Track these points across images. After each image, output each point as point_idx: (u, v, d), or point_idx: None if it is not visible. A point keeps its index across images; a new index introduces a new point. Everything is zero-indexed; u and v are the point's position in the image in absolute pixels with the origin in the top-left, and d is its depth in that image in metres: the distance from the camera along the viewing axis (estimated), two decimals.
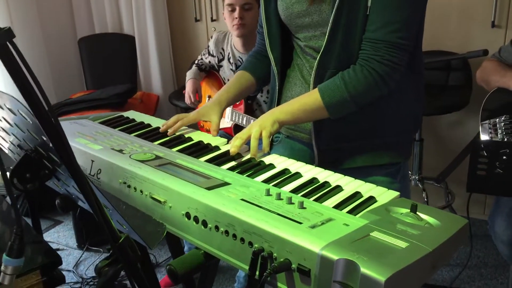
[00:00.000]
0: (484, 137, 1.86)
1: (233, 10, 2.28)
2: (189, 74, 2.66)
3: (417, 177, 2.66)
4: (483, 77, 2.01)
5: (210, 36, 2.69)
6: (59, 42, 3.54)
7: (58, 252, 2.77)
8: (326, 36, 1.18)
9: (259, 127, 1.18)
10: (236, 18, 2.24)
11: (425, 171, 2.70)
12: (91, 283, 2.43)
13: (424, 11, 1.22)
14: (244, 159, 1.15)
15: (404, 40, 1.15)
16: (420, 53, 1.28)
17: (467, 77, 2.53)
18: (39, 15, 3.30)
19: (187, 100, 2.65)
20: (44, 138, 0.73)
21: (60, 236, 2.93)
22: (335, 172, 1.06)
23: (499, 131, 1.84)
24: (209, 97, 2.70)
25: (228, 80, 2.29)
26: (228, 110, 2.66)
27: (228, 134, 2.71)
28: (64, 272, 2.18)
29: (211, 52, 2.63)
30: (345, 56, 1.20)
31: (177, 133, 1.33)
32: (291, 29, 1.32)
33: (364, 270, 0.68)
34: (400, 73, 1.18)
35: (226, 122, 2.72)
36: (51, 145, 0.67)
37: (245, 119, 2.42)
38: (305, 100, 1.21)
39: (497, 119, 1.85)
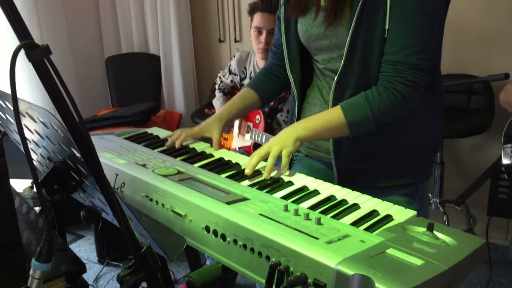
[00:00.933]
0: (505, 161, 1.85)
1: (260, 33, 2.34)
2: (217, 103, 2.71)
3: (438, 200, 2.63)
4: (505, 99, 2.00)
5: (233, 55, 2.75)
6: (87, 60, 3.66)
7: None
8: (343, 59, 1.21)
9: (280, 145, 1.19)
10: (262, 42, 2.30)
11: (446, 194, 2.68)
12: None
13: (442, 33, 1.24)
14: (263, 176, 1.18)
15: (424, 61, 1.17)
16: (439, 74, 1.29)
17: (489, 100, 2.52)
18: (68, 33, 3.42)
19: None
20: (74, 150, 0.77)
21: (81, 250, 2.98)
22: (353, 190, 1.08)
23: None
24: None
25: None
26: (249, 129, 2.70)
27: (247, 152, 2.74)
28: None
29: (232, 71, 2.68)
30: (363, 77, 1.22)
31: (198, 149, 1.37)
32: (311, 52, 1.35)
33: (379, 285, 0.69)
34: (421, 94, 1.20)
35: (246, 141, 2.76)
36: (80, 157, 0.71)
37: (264, 137, 2.45)
38: (328, 117, 1.22)
39: None
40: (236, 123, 2.75)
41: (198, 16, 3.54)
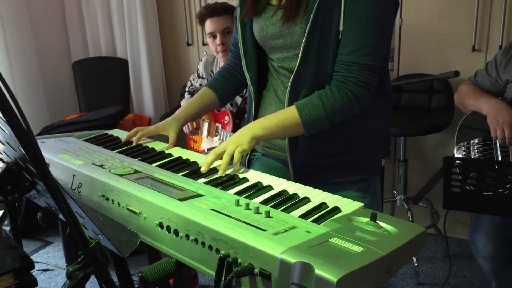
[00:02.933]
0: (457, 154, 1.92)
1: (214, 37, 2.38)
2: (183, 103, 2.73)
3: (402, 197, 2.70)
4: (459, 100, 2.08)
5: (200, 59, 2.76)
6: (54, 64, 3.62)
7: (48, 272, 2.78)
8: (299, 58, 1.24)
9: (236, 144, 1.22)
10: (219, 44, 2.34)
11: (412, 191, 2.74)
12: None
13: (391, 36, 1.29)
14: (220, 173, 1.20)
15: (375, 63, 1.21)
16: (387, 75, 1.34)
17: (448, 99, 2.60)
18: (34, 37, 3.38)
19: (185, 130, 2.72)
20: (21, 150, 0.77)
21: (50, 257, 2.94)
22: (305, 186, 1.11)
23: (473, 153, 1.90)
24: (204, 120, 2.76)
25: None
26: (218, 130, 2.72)
27: None
28: None
29: (200, 75, 2.70)
30: (318, 77, 1.25)
31: (158, 149, 1.38)
32: (266, 50, 1.38)
33: (318, 271, 0.72)
34: (372, 94, 1.24)
35: (215, 142, 2.78)
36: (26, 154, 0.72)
37: None
38: (283, 117, 1.25)
39: (471, 142, 1.91)
40: (206, 125, 2.77)
41: (166, 20, 3.55)
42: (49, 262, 2.88)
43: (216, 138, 2.76)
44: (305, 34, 1.21)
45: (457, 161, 1.50)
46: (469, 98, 1.99)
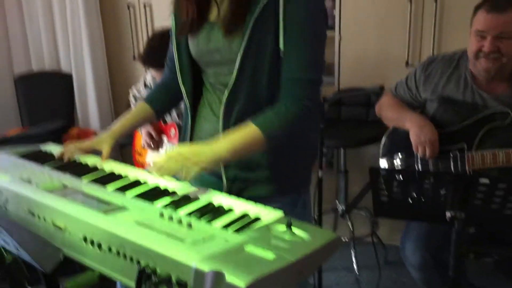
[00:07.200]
0: (381, 164, 2.01)
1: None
2: None
3: (343, 208, 2.78)
4: (380, 111, 2.17)
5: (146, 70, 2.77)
6: None
7: None
8: (234, 74, 1.28)
9: (200, 168, 1.18)
10: None
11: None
12: None
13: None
14: (150, 186, 1.21)
15: (320, 77, 1.29)
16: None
17: None
18: None
19: (144, 143, 2.72)
20: None
21: None
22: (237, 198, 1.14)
23: (396, 164, 1.99)
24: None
25: None
26: (163, 143, 2.73)
27: None
28: None
29: (148, 85, 2.71)
30: (253, 93, 1.29)
31: (90, 163, 1.38)
32: (201, 65, 1.41)
33: (228, 278, 0.75)
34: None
35: (161, 154, 2.78)
36: None
37: None
38: (246, 137, 1.24)
39: (394, 155, 2.00)
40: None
41: (111, 33, 3.53)
42: None
43: (162, 151, 2.76)
44: (241, 50, 1.25)
45: (381, 171, 1.58)
46: (391, 111, 2.08)
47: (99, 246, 0.95)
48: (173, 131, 2.71)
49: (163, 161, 1.19)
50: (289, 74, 1.27)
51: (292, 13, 1.24)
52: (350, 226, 2.71)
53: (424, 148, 1.89)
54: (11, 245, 0.92)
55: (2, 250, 0.79)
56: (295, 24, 1.24)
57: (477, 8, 1.87)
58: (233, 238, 0.90)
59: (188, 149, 1.20)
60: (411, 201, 1.60)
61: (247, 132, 1.25)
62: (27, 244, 0.97)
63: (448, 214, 1.48)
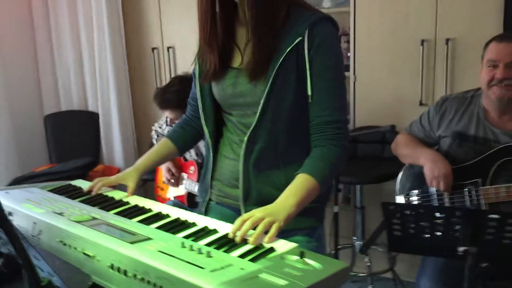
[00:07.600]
0: (398, 199, 2.05)
1: None
2: None
3: (361, 243, 2.81)
4: (396, 149, 2.23)
5: None
6: (26, 116, 3.71)
7: None
8: (257, 116, 1.36)
9: (273, 218, 1.21)
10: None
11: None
12: None
13: None
14: (172, 219, 1.30)
15: (347, 117, 1.43)
16: None
17: None
18: (5, 90, 3.49)
19: (165, 179, 2.84)
20: None
21: None
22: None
23: (412, 200, 2.03)
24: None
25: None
26: (184, 179, 2.83)
27: (181, 202, 2.85)
28: None
29: (169, 123, 2.84)
30: (272, 132, 1.38)
31: (116, 198, 1.48)
32: (224, 108, 1.49)
33: None
34: None
35: (181, 190, 2.88)
36: None
37: (197, 187, 2.58)
38: (307, 189, 1.30)
39: (410, 192, 2.04)
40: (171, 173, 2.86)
41: (136, 74, 3.71)
42: None
43: (182, 187, 2.86)
44: (264, 95, 1.34)
45: (394, 206, 1.63)
46: (406, 148, 2.14)
47: (125, 273, 1.03)
48: (192, 168, 2.82)
49: (238, 225, 1.19)
50: (323, 117, 1.36)
51: (317, 59, 1.33)
52: (367, 262, 2.73)
53: (438, 182, 1.93)
54: (45, 272, 1.00)
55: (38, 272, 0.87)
56: (321, 69, 1.34)
57: (487, 43, 1.96)
58: (248, 266, 0.97)
59: (262, 211, 1.24)
60: (423, 236, 1.64)
61: (305, 184, 1.31)
62: (60, 271, 1.06)
63: (460, 249, 1.52)
